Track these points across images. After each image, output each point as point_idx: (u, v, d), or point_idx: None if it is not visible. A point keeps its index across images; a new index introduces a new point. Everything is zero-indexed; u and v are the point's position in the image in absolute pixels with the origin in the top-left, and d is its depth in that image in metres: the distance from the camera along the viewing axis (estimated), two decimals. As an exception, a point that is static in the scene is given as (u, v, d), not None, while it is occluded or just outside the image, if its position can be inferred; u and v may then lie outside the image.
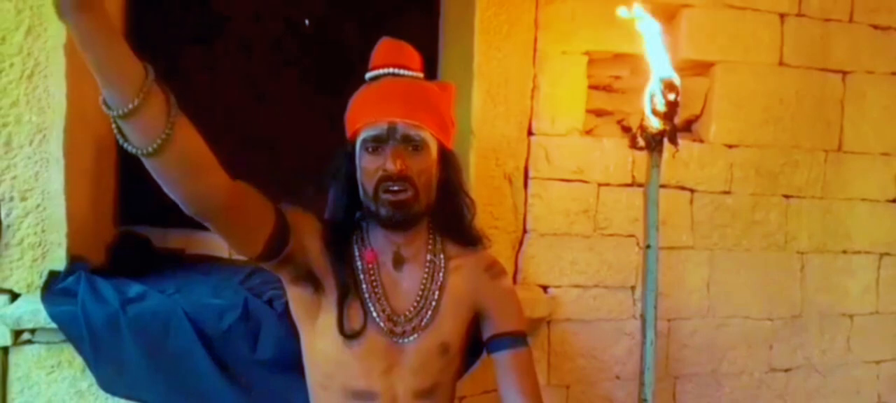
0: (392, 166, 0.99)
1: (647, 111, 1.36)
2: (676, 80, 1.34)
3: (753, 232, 1.85)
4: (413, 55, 1.09)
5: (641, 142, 1.40)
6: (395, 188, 0.99)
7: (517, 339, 1.11)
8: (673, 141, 1.37)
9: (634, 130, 1.41)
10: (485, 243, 1.15)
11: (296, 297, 1.10)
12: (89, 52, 0.71)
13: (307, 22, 1.87)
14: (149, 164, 0.80)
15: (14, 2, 1.27)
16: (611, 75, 1.82)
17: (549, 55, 1.67)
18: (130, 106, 0.73)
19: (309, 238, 1.03)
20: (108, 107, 0.75)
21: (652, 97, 1.36)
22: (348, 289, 1.04)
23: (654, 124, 1.35)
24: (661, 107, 1.34)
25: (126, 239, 1.66)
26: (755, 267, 1.86)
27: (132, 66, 0.74)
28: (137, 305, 1.30)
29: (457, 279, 1.10)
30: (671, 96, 1.33)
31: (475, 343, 1.43)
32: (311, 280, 1.05)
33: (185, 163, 0.81)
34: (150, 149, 0.77)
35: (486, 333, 1.12)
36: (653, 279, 1.40)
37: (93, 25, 0.69)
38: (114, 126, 0.77)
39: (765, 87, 1.83)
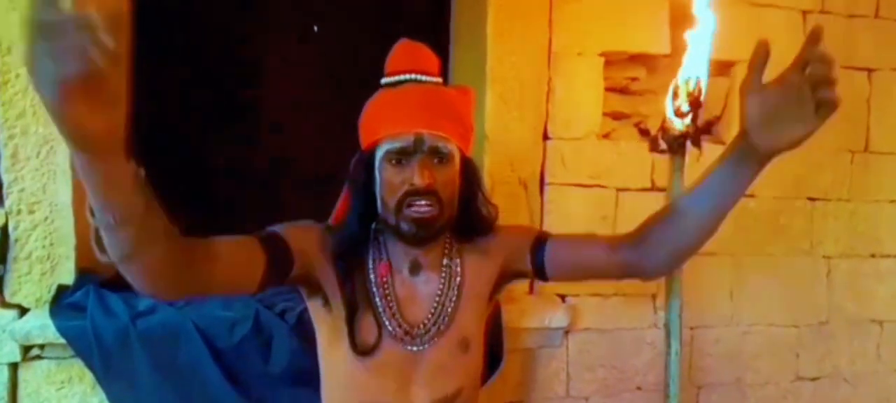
0: (420, 181, 0.93)
1: (670, 112, 1.32)
2: (704, 78, 1.29)
3: (778, 236, 1.80)
4: (432, 58, 1.04)
5: (663, 145, 1.35)
6: (422, 202, 0.94)
7: (545, 238, 1.06)
8: (696, 143, 1.32)
9: (655, 132, 1.36)
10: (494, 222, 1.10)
11: (312, 306, 1.07)
12: (89, 181, 0.63)
13: (316, 28, 1.84)
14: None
15: (19, 12, 1.26)
16: (627, 77, 1.77)
17: (564, 57, 1.62)
18: (105, 224, 0.66)
19: (314, 254, 0.99)
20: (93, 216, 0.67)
21: (674, 97, 1.31)
22: (357, 306, 1.00)
23: (677, 125, 1.31)
24: (685, 107, 1.29)
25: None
26: (780, 272, 1.80)
27: (129, 187, 0.66)
28: (147, 319, 1.29)
29: (473, 268, 1.07)
30: (696, 94, 1.28)
31: (495, 351, 1.40)
32: (321, 290, 1.03)
33: (143, 273, 0.73)
34: (110, 258, 0.69)
35: (524, 264, 1.05)
36: (677, 287, 1.35)
37: (108, 169, 0.62)
38: (92, 235, 0.69)
39: (788, 87, 1.77)
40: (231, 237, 0.89)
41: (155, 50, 1.73)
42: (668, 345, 1.36)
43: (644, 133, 1.77)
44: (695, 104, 1.32)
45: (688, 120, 1.32)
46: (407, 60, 1.02)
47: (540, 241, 1.06)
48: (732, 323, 1.78)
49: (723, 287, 1.77)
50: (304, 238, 0.98)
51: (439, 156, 0.96)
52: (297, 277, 0.98)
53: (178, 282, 0.77)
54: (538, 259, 1.05)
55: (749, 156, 0.81)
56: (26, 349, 1.31)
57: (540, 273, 1.06)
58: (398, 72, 1.01)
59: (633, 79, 1.77)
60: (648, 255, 0.97)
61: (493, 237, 1.08)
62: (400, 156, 0.95)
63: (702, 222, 0.90)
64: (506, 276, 1.10)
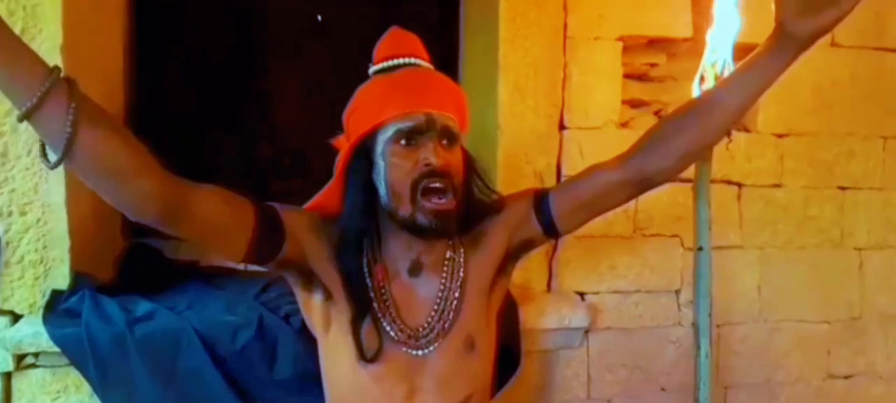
0: (436, 159, 0.88)
1: (696, 95, 1.23)
2: (730, 60, 1.21)
3: (807, 228, 1.71)
4: (423, 47, 1.00)
5: (689, 133, 1.27)
6: (438, 185, 0.89)
7: (543, 191, 1.03)
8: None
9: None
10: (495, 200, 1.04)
11: (307, 304, 1.01)
12: None
13: (320, 17, 1.77)
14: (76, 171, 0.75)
15: (6, 2, 1.19)
16: (646, 63, 1.70)
17: (581, 41, 1.55)
18: (29, 104, 0.68)
19: (309, 239, 0.94)
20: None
21: (701, 81, 1.23)
22: (366, 311, 0.94)
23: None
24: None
25: (136, 251, 1.58)
26: (810, 266, 1.71)
27: (32, 64, 0.70)
28: (145, 325, 1.23)
29: (475, 258, 1.01)
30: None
31: (509, 355, 1.33)
32: (319, 285, 0.96)
33: (100, 167, 0.74)
34: (57, 154, 0.70)
35: (532, 229, 1.01)
36: (705, 284, 1.26)
37: None
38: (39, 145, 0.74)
39: (815, 70, 1.68)
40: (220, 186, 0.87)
41: (156, 45, 1.69)
42: (698, 346, 1.28)
43: (664, 121, 1.70)
44: (723, 88, 1.24)
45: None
46: (400, 46, 0.97)
47: (540, 199, 1.00)
48: (760, 319, 1.70)
49: (750, 282, 1.68)
50: (298, 220, 0.94)
51: (449, 137, 0.92)
52: (287, 261, 0.93)
53: (158, 200, 0.77)
54: (545, 217, 0.99)
55: (786, 47, 0.86)
56: (19, 357, 1.25)
57: (550, 231, 1.01)
58: (392, 58, 0.96)
59: (652, 65, 1.70)
60: (660, 158, 0.96)
61: (489, 217, 1.02)
62: (410, 136, 0.90)
63: (729, 114, 0.94)
64: (512, 254, 1.04)
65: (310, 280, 0.96)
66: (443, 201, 0.89)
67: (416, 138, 0.90)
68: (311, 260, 0.94)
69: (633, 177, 0.97)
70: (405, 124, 0.90)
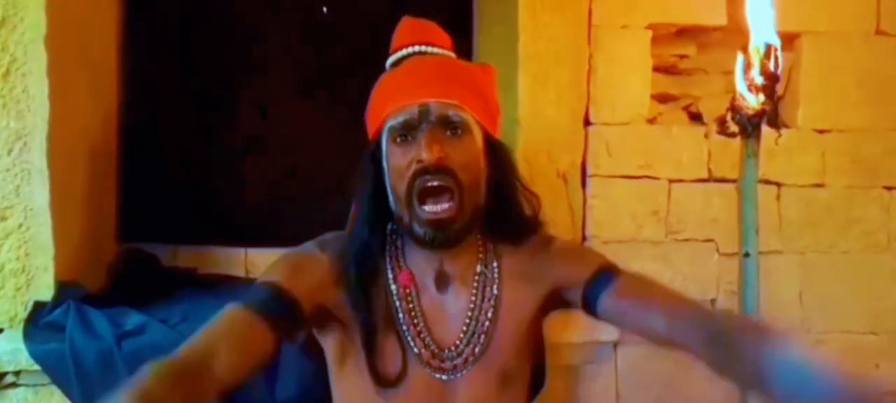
0: (428, 154, 0.79)
1: (741, 87, 1.12)
2: (777, 45, 1.10)
3: (851, 231, 1.60)
4: (440, 33, 0.94)
5: (733, 127, 1.16)
6: (434, 183, 0.79)
7: (610, 272, 0.88)
8: (774, 123, 1.13)
9: (724, 112, 1.17)
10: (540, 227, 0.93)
11: (324, 341, 0.93)
12: None
13: (325, 8, 1.68)
14: None
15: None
16: (674, 54, 1.60)
17: (607, 30, 1.46)
18: None
19: (323, 286, 0.86)
20: None
21: (746, 68, 1.12)
22: (376, 329, 0.85)
23: (751, 102, 1.11)
24: (760, 80, 1.10)
25: (130, 257, 1.50)
26: (855, 272, 1.60)
27: None
28: (135, 339, 1.15)
29: (513, 282, 0.91)
30: (771, 66, 1.09)
31: (535, 370, 1.22)
32: (334, 321, 0.88)
33: None
34: None
35: (575, 295, 0.89)
36: (753, 294, 1.16)
37: None
38: None
39: (860, 61, 1.58)
40: (221, 323, 0.77)
41: (151, 42, 1.60)
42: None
43: (694, 117, 1.60)
44: (771, 77, 1.13)
45: (762, 96, 1.14)
46: (411, 34, 0.91)
47: (601, 277, 0.88)
48: (803, 330, 1.58)
49: (791, 289, 1.57)
50: (306, 274, 0.85)
51: (451, 127, 0.82)
52: (311, 318, 0.85)
53: None
54: (592, 294, 0.87)
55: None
56: (-1, 376, 1.17)
57: (590, 307, 0.89)
58: (402, 48, 0.90)
59: (682, 56, 1.61)
60: (693, 351, 0.78)
61: (545, 253, 0.92)
62: (405, 131, 0.82)
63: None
64: (554, 302, 0.94)
65: (325, 320, 0.89)
66: (439, 208, 0.80)
67: (412, 133, 0.82)
68: (328, 303, 0.86)
69: (669, 341, 0.83)
70: (397, 119, 0.82)
